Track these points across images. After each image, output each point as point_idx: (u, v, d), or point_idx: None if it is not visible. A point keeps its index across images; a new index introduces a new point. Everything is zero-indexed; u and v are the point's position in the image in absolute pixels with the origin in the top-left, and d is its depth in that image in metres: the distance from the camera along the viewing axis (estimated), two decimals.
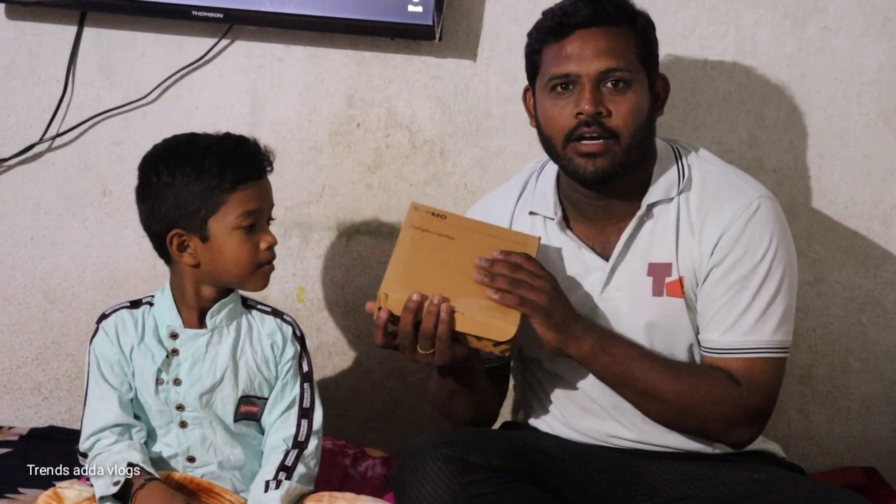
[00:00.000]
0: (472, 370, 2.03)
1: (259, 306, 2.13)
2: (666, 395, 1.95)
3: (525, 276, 1.89)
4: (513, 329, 1.87)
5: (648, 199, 2.02)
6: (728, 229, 1.98)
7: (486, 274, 1.89)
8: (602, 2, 1.96)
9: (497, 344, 1.88)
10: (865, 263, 2.56)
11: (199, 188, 1.99)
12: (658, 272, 2.01)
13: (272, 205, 2.07)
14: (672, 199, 2.02)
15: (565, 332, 1.92)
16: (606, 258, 2.03)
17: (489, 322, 1.87)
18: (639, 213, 2.01)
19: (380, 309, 1.90)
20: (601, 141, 1.94)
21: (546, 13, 2.02)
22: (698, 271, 2.00)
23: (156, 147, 2.06)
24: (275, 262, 2.06)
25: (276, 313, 2.13)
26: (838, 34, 2.49)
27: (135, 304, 2.10)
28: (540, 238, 2.01)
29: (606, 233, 2.05)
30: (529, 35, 2.04)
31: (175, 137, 2.07)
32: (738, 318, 1.97)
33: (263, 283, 2.06)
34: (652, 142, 2.04)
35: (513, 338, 1.87)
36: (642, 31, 1.99)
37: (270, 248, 2.04)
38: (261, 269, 2.04)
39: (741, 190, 2.02)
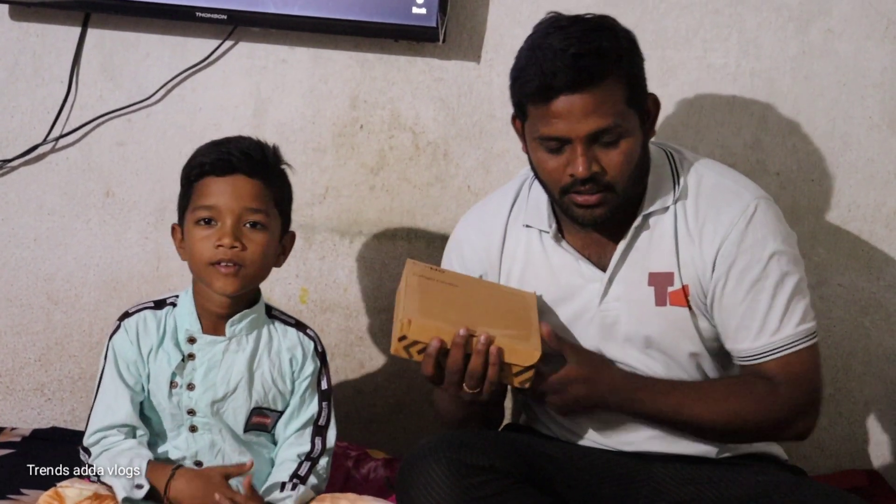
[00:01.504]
0: (495, 408, 2.06)
1: (283, 317, 2.12)
2: (709, 422, 1.97)
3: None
4: (537, 353, 1.85)
5: (645, 209, 2.01)
6: (728, 235, 1.98)
7: None
8: (583, 61, 1.87)
9: (519, 373, 1.86)
10: (868, 266, 2.56)
11: (182, 180, 2.05)
12: (659, 282, 2.01)
13: (247, 207, 2.00)
14: (668, 208, 2.01)
15: (588, 405, 1.97)
16: (603, 269, 2.03)
17: (514, 346, 1.86)
18: (635, 224, 2.00)
19: (414, 343, 1.86)
20: (598, 195, 1.93)
21: (525, 69, 1.92)
22: (703, 279, 1.99)
23: None
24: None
25: (300, 326, 2.12)
26: (842, 37, 2.49)
27: (159, 305, 2.10)
28: (536, 294, 2.01)
29: (602, 243, 2.04)
30: (511, 82, 1.97)
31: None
32: (763, 322, 1.97)
33: (222, 284, 2.00)
34: (646, 161, 2.02)
35: (537, 363, 1.86)
36: (628, 71, 1.93)
37: (221, 246, 1.98)
38: (214, 267, 2.00)
39: (736, 193, 2.01)
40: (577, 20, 1.94)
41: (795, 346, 1.97)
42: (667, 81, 2.52)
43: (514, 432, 2.19)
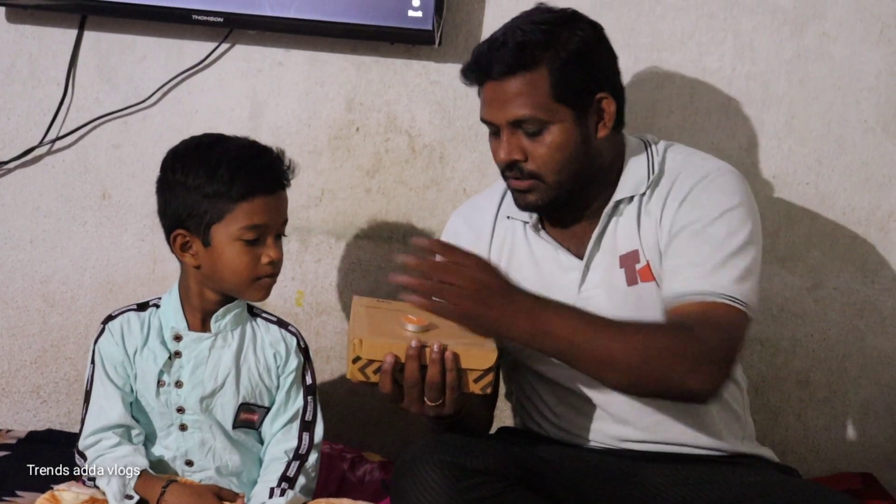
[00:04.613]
0: (475, 416, 2.04)
1: (264, 314, 2.13)
2: (618, 354, 1.84)
3: (453, 277, 1.81)
4: (493, 354, 1.84)
5: (616, 196, 2.04)
6: (687, 196, 1.99)
7: (415, 282, 1.81)
8: (503, 52, 1.96)
9: (479, 378, 1.85)
10: (863, 269, 2.56)
11: (208, 193, 1.99)
12: (628, 262, 2.03)
13: (284, 219, 2.05)
14: (643, 193, 2.04)
15: (496, 328, 1.83)
16: (581, 257, 2.06)
17: (469, 351, 1.84)
18: (606, 211, 2.04)
19: (369, 363, 1.84)
20: (527, 182, 2.00)
21: (471, 56, 2.02)
22: (662, 245, 2.01)
23: (182, 142, 2.07)
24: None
25: (281, 323, 2.13)
26: (837, 41, 2.50)
27: (142, 307, 2.11)
28: None
29: (579, 233, 2.07)
30: (461, 74, 2.07)
31: (203, 136, 2.08)
32: (696, 265, 1.94)
33: (262, 295, 2.05)
34: (602, 159, 2.03)
35: (493, 365, 1.85)
36: (559, 67, 1.95)
37: (272, 262, 2.02)
38: (258, 281, 2.03)
39: (700, 166, 2.04)
40: (534, 12, 2.01)
41: (723, 299, 1.91)
42: (662, 84, 2.53)
43: (509, 434, 2.20)
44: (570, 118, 1.97)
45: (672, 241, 1.99)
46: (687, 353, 1.85)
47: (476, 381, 1.85)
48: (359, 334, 1.85)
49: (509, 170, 2.00)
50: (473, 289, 1.81)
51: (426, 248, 1.87)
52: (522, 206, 2.04)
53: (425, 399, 1.86)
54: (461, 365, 1.84)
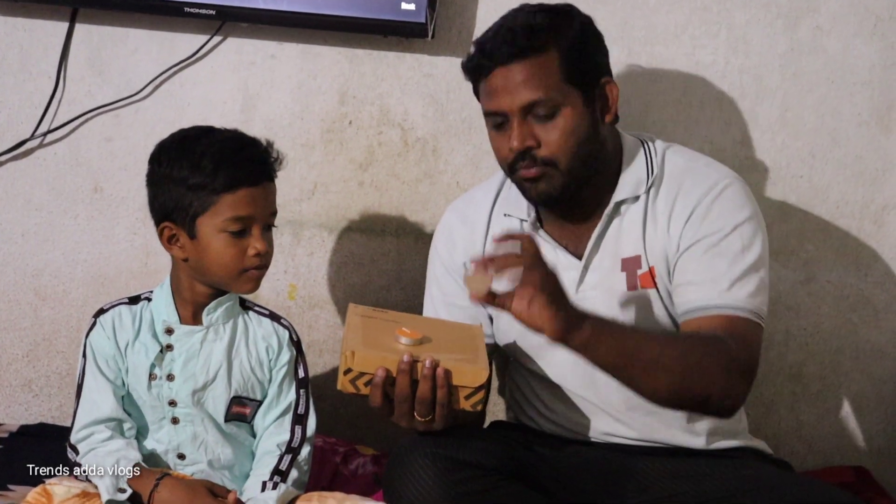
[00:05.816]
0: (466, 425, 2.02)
1: (256, 308, 2.13)
2: (668, 361, 1.85)
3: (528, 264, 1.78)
4: (485, 373, 1.84)
5: (616, 196, 2.03)
6: (696, 208, 1.99)
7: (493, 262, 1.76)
8: (515, 34, 1.95)
9: (469, 395, 1.85)
10: (856, 263, 2.56)
11: (193, 185, 1.99)
12: (630, 266, 2.03)
13: (272, 211, 2.05)
14: (639, 196, 2.03)
15: (566, 323, 1.79)
16: (579, 257, 2.05)
17: (461, 368, 1.84)
18: (606, 211, 2.03)
19: (360, 376, 1.83)
20: (538, 168, 1.97)
21: (473, 50, 2.02)
22: (669, 255, 2.01)
23: (171, 135, 2.07)
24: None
25: (274, 317, 2.13)
26: (830, 34, 2.50)
27: (133, 301, 2.11)
28: (482, 325, 2.03)
29: (578, 232, 2.06)
30: (462, 68, 2.05)
31: (191, 129, 2.08)
32: (715, 281, 1.95)
33: (250, 287, 2.05)
34: (606, 148, 2.03)
35: (485, 383, 1.84)
36: (567, 49, 1.96)
37: (259, 254, 2.01)
38: (246, 273, 2.03)
39: (706, 175, 2.03)
40: (527, 6, 2.02)
41: (743, 313, 1.93)
42: (656, 78, 2.53)
43: (501, 428, 2.19)
44: (580, 101, 1.97)
45: (684, 254, 1.99)
46: (725, 365, 1.86)
47: (467, 398, 1.85)
48: (351, 346, 1.84)
49: (521, 159, 1.97)
50: (551, 276, 1.78)
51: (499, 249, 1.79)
52: (533, 195, 2.01)
53: (415, 414, 1.85)
54: (452, 381, 1.84)
